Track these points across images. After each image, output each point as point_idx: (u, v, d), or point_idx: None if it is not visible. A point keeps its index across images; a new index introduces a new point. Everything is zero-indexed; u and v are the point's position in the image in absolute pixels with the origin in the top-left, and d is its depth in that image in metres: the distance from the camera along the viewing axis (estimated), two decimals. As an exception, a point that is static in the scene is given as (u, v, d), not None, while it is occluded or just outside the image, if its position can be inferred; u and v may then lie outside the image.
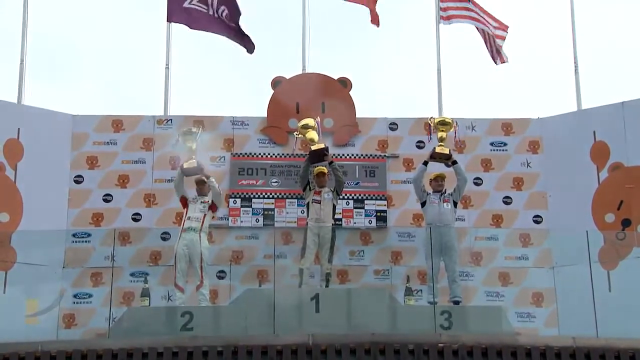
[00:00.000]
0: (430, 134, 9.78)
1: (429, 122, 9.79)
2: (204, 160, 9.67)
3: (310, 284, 9.53)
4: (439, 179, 9.72)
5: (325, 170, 9.80)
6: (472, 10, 11.95)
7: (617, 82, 18.06)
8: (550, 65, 18.11)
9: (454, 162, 9.62)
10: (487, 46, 12.00)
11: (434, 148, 9.61)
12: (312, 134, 9.71)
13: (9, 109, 10.79)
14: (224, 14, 11.51)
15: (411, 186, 10.11)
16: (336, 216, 10.27)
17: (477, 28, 12.01)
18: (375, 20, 11.86)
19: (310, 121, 9.81)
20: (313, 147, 9.68)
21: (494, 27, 11.96)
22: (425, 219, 9.76)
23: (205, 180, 9.41)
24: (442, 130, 9.60)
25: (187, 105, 17.10)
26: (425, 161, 9.68)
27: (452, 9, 11.96)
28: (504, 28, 12.02)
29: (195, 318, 8.27)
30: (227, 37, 11.62)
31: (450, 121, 9.73)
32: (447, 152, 9.57)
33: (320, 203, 9.66)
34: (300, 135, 9.92)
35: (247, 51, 11.65)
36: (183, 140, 9.51)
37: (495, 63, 12.08)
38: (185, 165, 9.40)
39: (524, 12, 12.08)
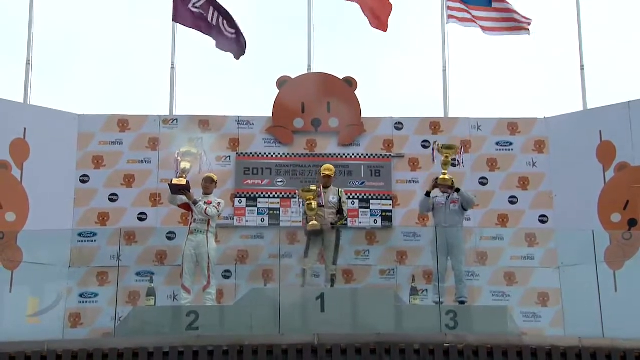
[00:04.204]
0: (434, 159, 9.78)
1: (434, 147, 9.74)
2: (209, 162, 9.66)
3: (315, 283, 9.53)
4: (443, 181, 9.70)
5: (330, 173, 9.77)
6: (468, 13, 11.90)
7: (623, 82, 18.06)
8: (556, 65, 18.12)
9: (457, 190, 9.53)
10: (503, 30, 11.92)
11: (437, 178, 9.50)
12: (313, 205, 9.47)
13: (15, 109, 10.83)
14: (223, 23, 11.53)
15: (417, 186, 10.15)
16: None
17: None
18: (381, 25, 11.82)
19: (313, 189, 9.68)
20: (309, 227, 9.46)
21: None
22: (434, 221, 9.72)
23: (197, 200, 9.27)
24: (447, 155, 9.49)
25: (193, 104, 17.14)
26: (427, 192, 9.62)
27: (456, 10, 11.93)
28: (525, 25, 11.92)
29: (201, 317, 8.27)
30: (220, 48, 11.62)
31: (457, 145, 9.65)
32: (450, 183, 9.46)
33: (323, 206, 9.64)
34: (300, 200, 9.81)
35: (234, 56, 11.64)
36: (181, 159, 9.38)
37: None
38: (174, 181, 9.25)
39: (529, 11, 12.00)
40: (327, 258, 9.57)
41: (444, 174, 9.47)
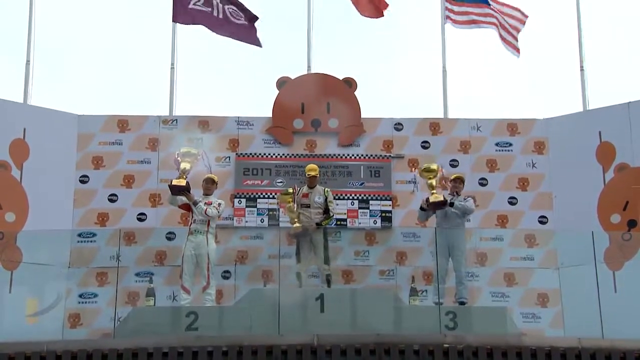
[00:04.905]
0: (415, 184, 9.78)
1: (415, 172, 9.75)
2: (209, 162, 9.66)
3: (312, 284, 9.53)
4: (457, 181, 9.70)
5: (315, 173, 9.75)
6: (487, 15, 11.89)
7: (622, 83, 18.04)
8: (556, 66, 18.09)
9: (452, 204, 9.47)
10: (501, 39, 11.93)
11: (428, 198, 9.43)
12: (295, 207, 9.58)
13: (15, 109, 10.83)
14: (230, 11, 11.50)
15: (416, 186, 10.06)
16: (341, 216, 10.32)
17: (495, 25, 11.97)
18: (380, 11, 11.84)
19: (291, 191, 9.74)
20: (292, 231, 9.49)
21: (511, 21, 11.88)
22: (435, 221, 9.70)
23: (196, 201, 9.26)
24: (430, 178, 9.45)
25: (193, 105, 17.14)
26: (421, 207, 9.61)
27: (473, 14, 11.91)
28: (522, 21, 11.94)
29: (200, 318, 8.28)
30: (231, 37, 11.62)
31: (436, 167, 9.58)
32: (442, 199, 9.39)
33: (309, 207, 9.64)
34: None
35: (257, 45, 11.62)
36: (181, 159, 9.35)
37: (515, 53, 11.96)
38: (174, 182, 9.25)
39: (529, 11, 12.02)
40: (318, 258, 9.53)
41: (433, 193, 9.42)
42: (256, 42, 11.64)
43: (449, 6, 11.94)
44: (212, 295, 9.10)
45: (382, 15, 11.94)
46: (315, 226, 9.53)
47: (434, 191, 9.43)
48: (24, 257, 9.92)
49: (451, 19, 11.96)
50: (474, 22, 12.00)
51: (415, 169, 9.80)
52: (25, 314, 9.43)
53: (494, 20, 11.89)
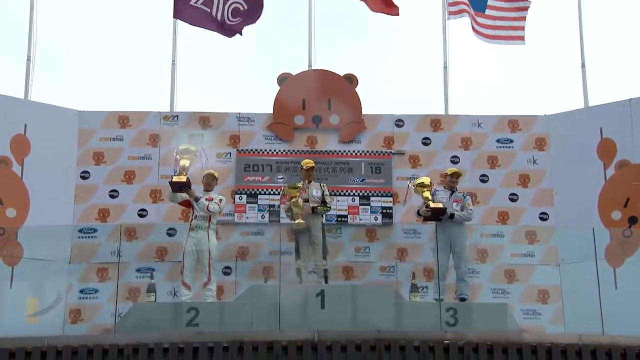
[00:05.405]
0: (406, 197, 9.80)
1: (409, 185, 9.71)
2: (207, 159, 9.65)
3: (313, 280, 9.55)
4: (454, 176, 9.67)
5: (314, 165, 9.71)
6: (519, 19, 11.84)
7: (624, 79, 18.04)
8: (557, 62, 18.09)
9: (452, 215, 9.38)
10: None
11: (428, 205, 9.37)
12: (300, 202, 9.43)
13: (16, 105, 10.84)
14: (231, 9, 11.46)
15: (417, 183, 10.11)
16: (342, 213, 10.32)
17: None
18: (392, 10, 11.78)
19: (299, 186, 9.65)
20: (295, 227, 9.34)
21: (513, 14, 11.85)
22: None
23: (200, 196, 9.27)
24: (425, 191, 9.42)
25: (193, 101, 17.15)
26: (418, 213, 9.59)
27: (463, 4, 11.88)
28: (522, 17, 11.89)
29: (201, 314, 8.28)
30: (229, 35, 11.58)
31: (429, 181, 9.56)
32: (442, 207, 9.34)
33: (308, 201, 9.62)
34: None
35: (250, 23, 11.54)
36: (180, 157, 9.33)
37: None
38: (174, 179, 9.22)
39: (531, 8, 12.00)
40: (317, 254, 9.51)
41: (431, 202, 9.38)
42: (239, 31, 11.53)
43: (477, 19, 11.80)
44: (213, 291, 9.10)
45: (396, 12, 11.83)
46: (310, 209, 9.45)
47: (431, 200, 9.41)
48: (25, 252, 9.93)
49: (454, 12, 11.87)
50: (504, 37, 11.93)
51: (409, 181, 9.81)
52: (25, 314, 9.44)
53: (489, 31, 11.81)
